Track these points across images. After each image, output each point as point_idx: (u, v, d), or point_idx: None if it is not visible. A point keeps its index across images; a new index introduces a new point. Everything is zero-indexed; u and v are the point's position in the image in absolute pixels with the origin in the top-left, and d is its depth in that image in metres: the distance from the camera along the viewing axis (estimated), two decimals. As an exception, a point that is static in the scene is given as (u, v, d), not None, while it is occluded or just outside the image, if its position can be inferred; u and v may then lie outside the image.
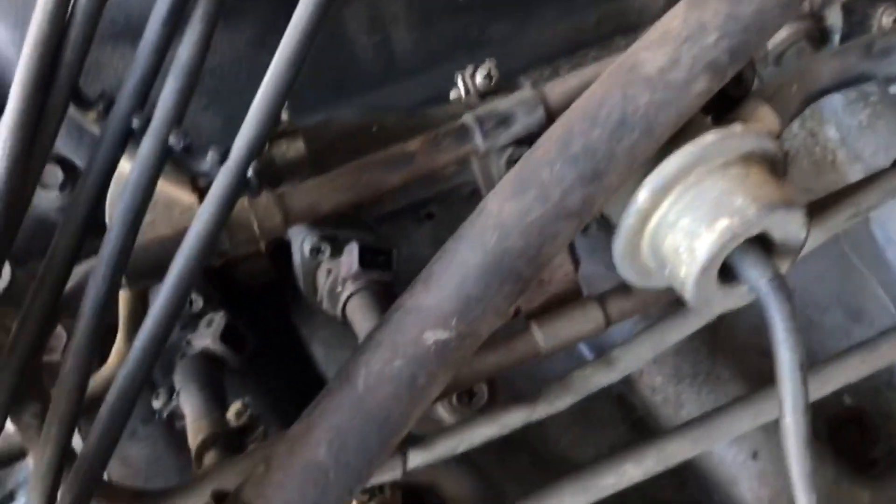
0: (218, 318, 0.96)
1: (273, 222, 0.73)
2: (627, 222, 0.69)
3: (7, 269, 0.90)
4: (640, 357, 0.82)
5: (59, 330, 0.93)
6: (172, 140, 0.64)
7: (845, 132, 1.20)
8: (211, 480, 0.71)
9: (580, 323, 0.80)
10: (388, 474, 0.78)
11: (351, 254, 0.97)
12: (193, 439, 0.83)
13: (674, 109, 0.64)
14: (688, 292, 0.68)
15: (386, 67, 1.13)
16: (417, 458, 0.79)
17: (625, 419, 1.16)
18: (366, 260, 0.97)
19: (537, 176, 0.65)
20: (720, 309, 0.76)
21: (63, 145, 0.90)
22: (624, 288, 0.83)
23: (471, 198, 1.34)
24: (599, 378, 0.81)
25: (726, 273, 0.68)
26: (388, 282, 0.99)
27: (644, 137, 0.64)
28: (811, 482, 0.68)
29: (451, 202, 1.34)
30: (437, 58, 1.12)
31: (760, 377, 0.94)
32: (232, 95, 1.02)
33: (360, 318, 0.95)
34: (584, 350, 1.17)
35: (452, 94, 0.92)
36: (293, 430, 0.66)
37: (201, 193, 0.73)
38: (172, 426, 0.95)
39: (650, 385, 1.13)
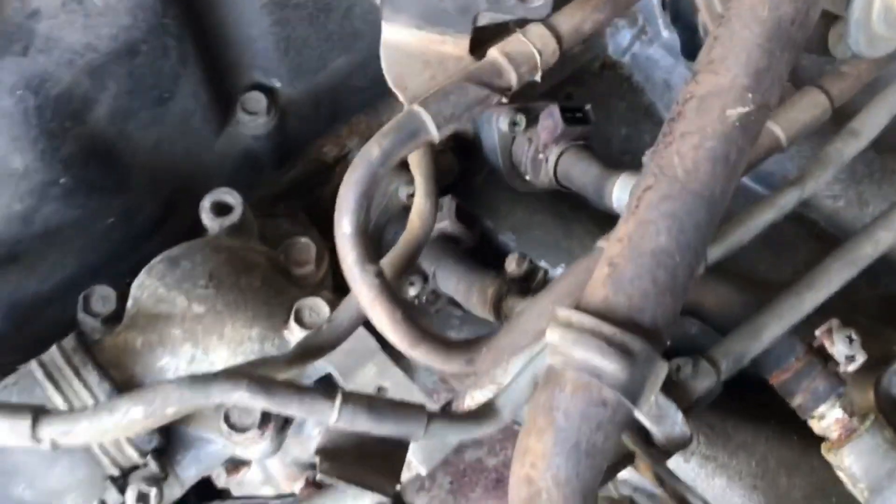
0: (447, 201, 1.02)
1: (549, 48, 0.78)
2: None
3: (239, 202, 0.97)
4: (878, 123, 0.88)
5: (306, 241, 1.00)
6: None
7: None
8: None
9: (809, 110, 0.86)
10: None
11: (552, 115, 1.03)
12: (481, 299, 0.89)
13: None
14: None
15: None
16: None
17: (810, 235, 1.22)
18: (567, 117, 1.03)
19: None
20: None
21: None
22: (838, 72, 0.88)
23: (601, 72, 1.41)
24: (850, 149, 0.87)
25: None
26: (588, 135, 1.05)
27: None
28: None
29: (583, 80, 1.40)
30: None
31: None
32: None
33: (579, 170, 1.01)
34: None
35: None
36: (618, 231, 0.70)
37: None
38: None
39: (830, 194, 1.19)
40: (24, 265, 0.90)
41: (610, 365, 0.65)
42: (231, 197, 0.97)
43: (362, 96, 1.11)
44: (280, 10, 0.91)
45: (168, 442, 0.89)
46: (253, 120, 1.01)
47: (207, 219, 0.96)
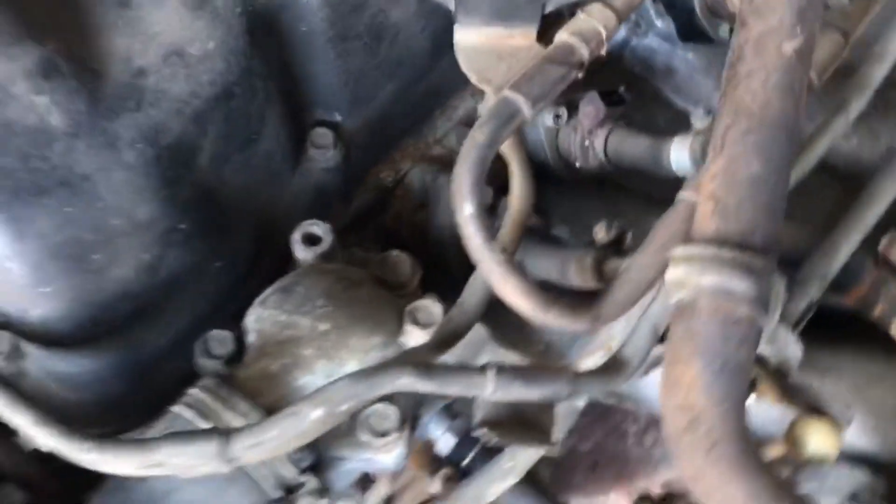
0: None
1: (611, 23, 0.86)
2: None
3: (328, 231, 1.02)
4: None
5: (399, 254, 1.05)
6: None
7: None
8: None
9: (828, 47, 0.96)
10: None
11: (593, 101, 1.11)
12: (580, 268, 0.95)
13: None
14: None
15: None
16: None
17: (833, 179, 1.30)
18: (606, 101, 1.11)
19: None
20: None
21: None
22: (842, 11, 0.98)
23: (604, 69, 1.50)
24: (879, 71, 0.97)
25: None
26: (627, 114, 1.13)
27: None
28: None
29: (590, 79, 1.49)
30: None
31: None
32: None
33: (630, 145, 1.09)
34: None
35: None
36: (710, 171, 0.77)
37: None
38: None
39: (843, 135, 1.28)
40: (148, 319, 0.93)
41: (740, 284, 0.71)
42: (319, 228, 1.02)
43: (407, 121, 1.18)
44: (342, 42, 0.98)
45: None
46: (322, 154, 1.06)
47: (300, 251, 1.02)
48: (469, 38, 0.88)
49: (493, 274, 0.82)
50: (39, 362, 0.88)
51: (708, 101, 1.22)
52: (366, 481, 1.10)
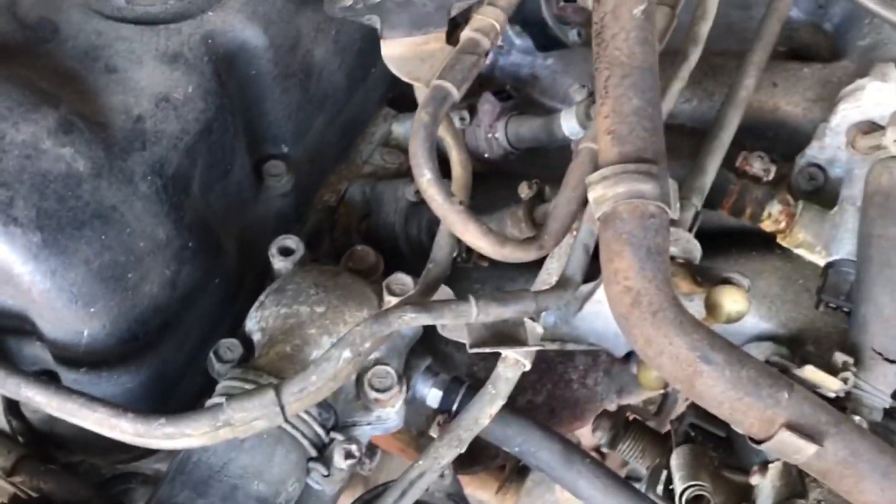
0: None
1: (501, 18, 1.09)
2: None
3: (298, 243, 1.20)
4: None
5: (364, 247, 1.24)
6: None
7: None
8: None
9: (663, 19, 1.23)
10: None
11: (488, 99, 1.35)
12: (515, 220, 1.17)
13: None
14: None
15: None
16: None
17: (683, 134, 1.57)
18: (499, 97, 1.35)
19: None
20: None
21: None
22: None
23: (480, 88, 1.75)
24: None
25: None
26: (518, 105, 1.37)
27: None
28: None
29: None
30: None
31: None
32: None
33: (527, 127, 1.34)
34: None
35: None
36: (602, 112, 1.01)
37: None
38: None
39: (683, 99, 1.56)
40: (171, 332, 1.08)
41: (646, 186, 0.94)
42: (291, 241, 1.20)
43: (337, 148, 1.38)
44: (284, 80, 1.17)
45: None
46: (277, 182, 1.25)
47: (278, 262, 1.19)
48: (394, 49, 1.10)
49: (455, 224, 1.02)
50: (86, 388, 1.01)
51: (577, 84, 1.46)
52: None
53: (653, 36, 1.04)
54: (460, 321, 1.03)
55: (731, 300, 1.08)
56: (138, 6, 1.06)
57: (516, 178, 1.46)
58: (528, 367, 1.13)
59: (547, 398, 1.50)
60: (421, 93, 1.09)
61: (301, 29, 1.17)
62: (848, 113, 1.24)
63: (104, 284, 0.97)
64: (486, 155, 1.38)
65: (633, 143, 0.98)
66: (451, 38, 1.11)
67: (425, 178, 1.01)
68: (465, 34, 1.09)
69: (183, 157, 1.04)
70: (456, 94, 1.04)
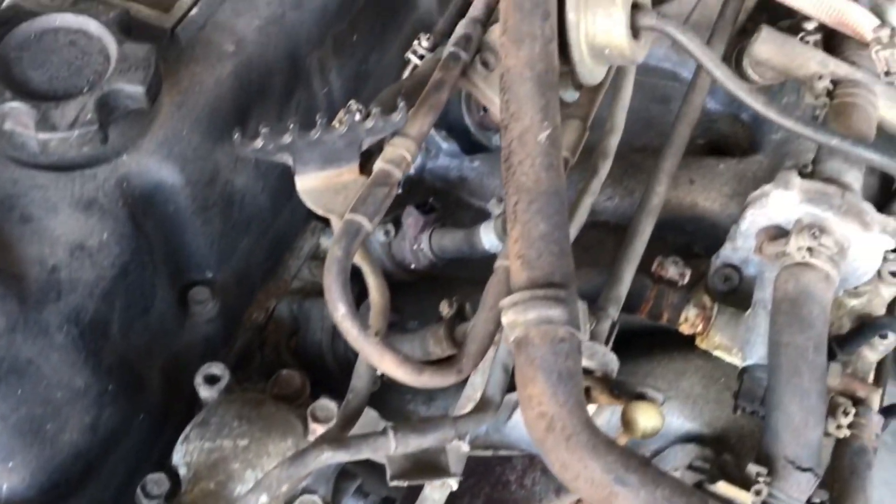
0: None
1: (412, 149, 1.11)
2: None
3: (224, 370, 1.21)
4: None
5: (289, 371, 1.25)
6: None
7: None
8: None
9: (574, 132, 1.27)
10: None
11: (412, 213, 1.38)
12: (436, 339, 1.19)
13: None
14: None
15: None
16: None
17: (607, 231, 1.62)
18: (422, 210, 1.38)
19: None
20: None
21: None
22: (577, 103, 1.30)
23: (412, 191, 1.78)
24: (610, 144, 1.28)
25: None
26: (441, 217, 1.41)
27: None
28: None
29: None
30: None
31: None
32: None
33: (449, 239, 1.38)
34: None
35: None
36: (511, 237, 1.04)
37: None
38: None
39: (605, 197, 1.60)
40: (94, 476, 1.09)
41: (555, 311, 0.97)
42: (216, 368, 1.21)
43: (264, 266, 1.40)
44: (203, 212, 1.19)
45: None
46: (203, 307, 1.26)
47: (204, 390, 1.20)
48: (308, 183, 1.12)
49: (372, 355, 1.04)
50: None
51: (499, 194, 1.50)
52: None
53: (558, 160, 1.07)
54: (379, 455, 1.05)
55: (645, 417, 1.11)
56: (53, 153, 1.08)
57: (445, 282, 1.49)
58: (454, 487, 1.15)
59: (485, 502, 1.51)
60: (336, 225, 1.11)
61: (219, 162, 1.20)
62: (756, 218, 1.27)
63: (22, 439, 0.98)
64: (412, 266, 1.41)
65: (542, 269, 1.01)
66: (365, 168, 1.14)
67: (340, 312, 1.03)
68: (378, 166, 1.12)
69: (99, 303, 1.05)
70: (369, 226, 1.07)
